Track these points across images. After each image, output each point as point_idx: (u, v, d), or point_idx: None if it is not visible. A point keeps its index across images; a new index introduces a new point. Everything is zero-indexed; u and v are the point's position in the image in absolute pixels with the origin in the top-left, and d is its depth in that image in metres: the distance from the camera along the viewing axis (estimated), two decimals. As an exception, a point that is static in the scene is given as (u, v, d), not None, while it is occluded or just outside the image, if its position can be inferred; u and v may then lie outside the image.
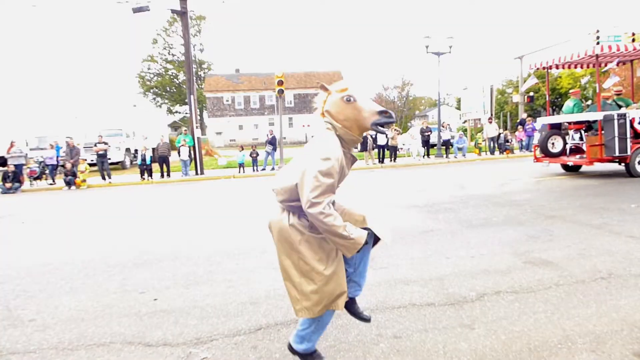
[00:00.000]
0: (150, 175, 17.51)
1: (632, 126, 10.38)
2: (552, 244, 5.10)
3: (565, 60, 11.84)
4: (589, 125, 11.45)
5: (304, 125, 30.22)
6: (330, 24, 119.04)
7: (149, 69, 61.32)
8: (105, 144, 17.71)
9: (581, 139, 11.82)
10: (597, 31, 21.97)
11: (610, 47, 10.88)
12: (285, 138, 36.01)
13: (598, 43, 21.70)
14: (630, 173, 10.54)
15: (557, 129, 12.29)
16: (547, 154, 11.97)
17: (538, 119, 14.57)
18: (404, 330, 3.19)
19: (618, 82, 11.90)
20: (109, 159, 18.42)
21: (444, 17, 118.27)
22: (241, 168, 18.60)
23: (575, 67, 13.36)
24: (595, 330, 3.03)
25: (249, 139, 48.72)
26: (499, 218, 6.70)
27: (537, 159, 12.46)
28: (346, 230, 2.30)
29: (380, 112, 2.41)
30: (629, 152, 10.34)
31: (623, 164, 10.78)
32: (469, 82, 65.39)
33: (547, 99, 14.43)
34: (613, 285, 3.80)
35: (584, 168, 12.45)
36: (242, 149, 19.14)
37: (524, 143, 21.69)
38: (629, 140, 10.30)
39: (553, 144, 11.99)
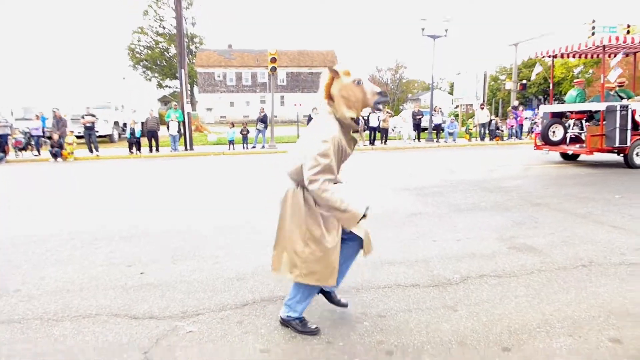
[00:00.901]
0: (138, 149, 17.33)
1: (633, 118, 10.50)
2: (537, 231, 5.18)
3: (572, 49, 11.85)
4: (590, 115, 11.56)
5: (295, 104, 29.91)
6: (325, 2, 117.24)
7: (139, 41, 60.12)
8: (93, 116, 17.42)
9: (581, 128, 11.93)
10: (593, 21, 21.94)
11: (617, 39, 10.94)
12: (276, 116, 35.71)
13: (593, 33, 21.72)
14: (628, 164, 10.72)
15: (558, 117, 12.37)
16: (548, 142, 12.08)
17: (541, 107, 14.63)
18: (389, 309, 3.25)
19: (621, 74, 12.00)
20: (97, 131, 18.12)
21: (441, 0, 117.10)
22: (231, 145, 18.47)
23: (581, 57, 13.44)
24: (573, 315, 3.10)
25: (240, 116, 48.33)
26: (487, 203, 6.78)
27: (537, 147, 12.61)
28: (344, 203, 2.57)
29: (379, 93, 2.75)
30: (628, 143, 10.50)
31: (622, 155, 10.94)
32: (463, 67, 65.13)
33: (551, 87, 14.46)
34: (593, 272, 3.89)
35: (582, 157, 12.60)
36: (233, 126, 18.97)
37: (514, 130, 21.82)
38: (629, 132, 10.44)
39: (554, 132, 12.08)
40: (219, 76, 54.55)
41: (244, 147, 18.54)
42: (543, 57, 13.10)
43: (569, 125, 12.03)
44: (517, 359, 2.58)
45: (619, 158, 11.17)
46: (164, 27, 59.08)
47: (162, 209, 7.00)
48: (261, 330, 2.99)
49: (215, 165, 13.85)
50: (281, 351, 2.73)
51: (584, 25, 21.92)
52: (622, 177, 9.39)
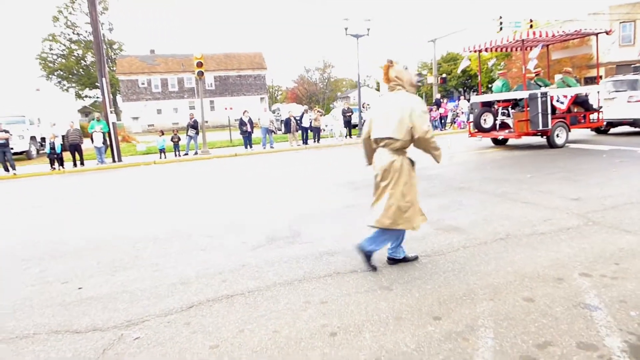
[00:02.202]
0: (61, 164, 16.34)
1: (551, 104, 11.67)
2: (460, 212, 5.64)
3: (495, 44, 13.11)
4: (515, 103, 12.72)
5: (226, 108, 29.44)
6: (249, 4, 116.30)
7: (50, 49, 56.30)
8: (6, 132, 16.17)
9: (509, 115, 13.08)
10: (500, 17, 23.65)
11: (534, 33, 12.17)
12: (207, 122, 34.99)
13: (501, 29, 23.46)
14: (550, 144, 11.90)
15: (488, 106, 13.47)
16: (480, 129, 13.16)
17: (472, 97, 15.80)
18: (330, 296, 3.44)
19: (537, 64, 13.29)
20: (12, 148, 16.85)
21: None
22: (162, 154, 17.95)
23: (503, 50, 14.83)
24: (493, 282, 3.48)
25: (169, 123, 46.77)
26: (415, 192, 7.21)
27: (471, 134, 13.66)
28: (439, 145, 3.75)
29: (418, 74, 3.88)
30: (549, 126, 11.61)
31: (545, 137, 12.10)
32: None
33: (479, 79, 15.65)
34: (509, 244, 4.34)
35: (511, 141, 13.78)
36: (163, 134, 18.43)
37: (435, 123, 23.08)
38: (549, 116, 11.56)
39: (485, 120, 13.19)
40: (143, 83, 52.42)
41: (176, 155, 18.07)
42: (470, 51, 14.16)
43: (498, 113, 13.19)
44: (447, 325, 2.87)
45: (543, 140, 12.38)
46: (78, 34, 55.83)
47: (93, 224, 6.75)
48: (209, 328, 3.07)
49: (147, 175, 13.43)
50: (230, 345, 2.83)
51: (493, 21, 23.57)
52: (536, 158, 10.32)
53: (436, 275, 3.70)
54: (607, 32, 12.97)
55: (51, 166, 16.23)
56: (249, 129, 18.64)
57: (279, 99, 71.74)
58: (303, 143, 19.58)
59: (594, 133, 14.96)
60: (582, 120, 12.91)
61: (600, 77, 14.15)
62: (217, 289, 3.73)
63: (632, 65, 27.56)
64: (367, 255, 3.88)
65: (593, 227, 4.68)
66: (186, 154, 18.15)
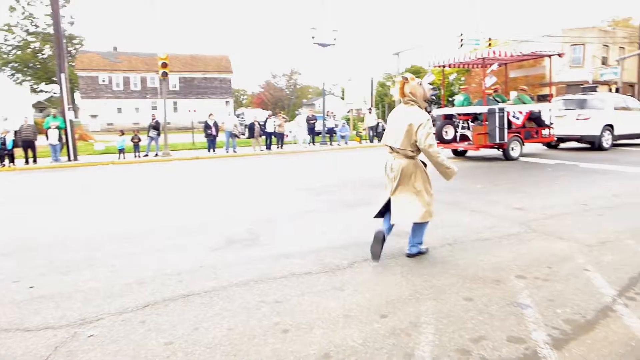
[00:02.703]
0: (12, 161, 15.73)
1: (508, 119, 12.42)
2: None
3: (457, 60, 13.98)
4: (475, 117, 13.42)
5: (190, 110, 28.99)
6: (218, 7, 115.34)
7: (5, 40, 53.82)
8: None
9: (468, 128, 13.76)
10: (461, 34, 24.62)
11: (494, 52, 13.05)
12: (170, 123, 34.40)
13: (462, 46, 24.40)
14: (506, 157, 12.66)
15: (449, 119, 14.11)
16: (442, 140, 13.71)
17: (434, 110, 16.49)
18: (284, 295, 3.58)
19: (496, 81, 14.08)
20: (-42, 143, 16.05)
21: (329, 8, 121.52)
22: (121, 154, 17.57)
23: (465, 67, 15.65)
24: (438, 284, 3.71)
25: (130, 123, 45.64)
26: (372, 198, 7.39)
27: None
28: (446, 162, 4.12)
29: (432, 89, 4.22)
30: (506, 140, 12.33)
31: (501, 150, 12.80)
32: (354, 74, 68.33)
33: (442, 93, 16.33)
34: (456, 249, 4.62)
35: (470, 153, 14.47)
36: (123, 134, 18.05)
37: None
38: (506, 130, 12.29)
39: (446, 132, 13.77)
40: (103, 80, 50.99)
41: (135, 156, 17.73)
42: (435, 67, 14.89)
43: (458, 126, 13.88)
44: (392, 322, 3.06)
45: (499, 152, 13.08)
46: (36, 26, 53.63)
47: (46, 222, 6.61)
48: (164, 326, 3.13)
49: (105, 175, 13.13)
50: (184, 342, 2.91)
51: (454, 38, 24.49)
52: (488, 170, 10.85)
53: (386, 277, 3.90)
54: (559, 55, 13.99)
55: (1, 163, 15.59)
56: (214, 133, 18.55)
57: (244, 103, 71.34)
58: (266, 148, 19.65)
59: (545, 147, 15.84)
60: (535, 135, 13.73)
61: (552, 95, 15.11)
62: (173, 289, 3.79)
63: (581, 86, 29.25)
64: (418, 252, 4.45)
65: (532, 234, 5.04)
66: (146, 155, 17.84)
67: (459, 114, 13.81)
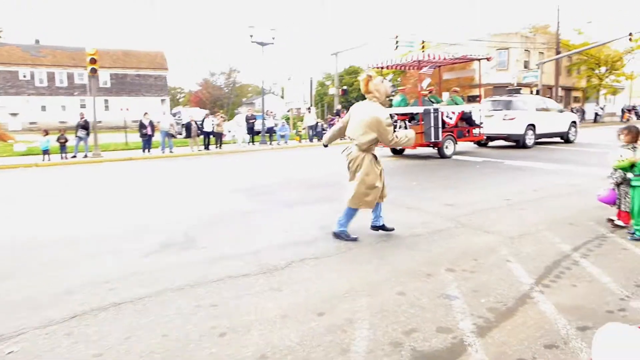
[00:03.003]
0: None
1: (442, 119, 13.09)
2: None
3: (394, 62, 14.69)
4: (412, 117, 13.98)
5: (122, 109, 27.60)
6: (152, 1, 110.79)
7: None
8: None
9: (406, 127, 14.12)
10: (397, 36, 25.36)
11: (429, 55, 13.80)
12: (100, 122, 32.63)
13: (397, 48, 25.16)
14: (440, 155, 13.31)
15: None
16: None
17: None
18: (221, 299, 3.54)
19: (430, 83, 14.77)
20: None
21: (267, 8, 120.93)
22: (46, 155, 16.43)
23: (402, 69, 16.47)
24: (373, 280, 3.83)
25: (55, 122, 42.73)
26: (312, 198, 7.55)
27: None
28: (403, 139, 4.78)
29: (392, 86, 4.37)
30: (440, 139, 12.96)
31: (436, 148, 13.45)
32: (293, 73, 68.42)
33: None
34: (390, 245, 4.79)
35: (407, 151, 15.02)
36: (47, 134, 16.86)
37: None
38: (440, 130, 12.92)
39: None
40: (24, 75, 47.41)
41: (62, 157, 16.67)
42: (374, 68, 15.37)
43: (396, 125, 14.24)
44: (328, 320, 3.13)
45: (434, 151, 13.73)
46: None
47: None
48: (93, 337, 3.00)
49: (28, 178, 12.23)
50: (116, 352, 2.80)
51: (389, 40, 25.20)
52: (422, 167, 11.30)
53: (323, 275, 3.97)
54: (487, 59, 15.09)
55: None
56: (149, 132, 17.86)
57: (181, 102, 69.20)
58: (205, 148, 19.21)
59: (475, 146, 16.78)
60: (467, 134, 14.58)
61: (481, 96, 16.09)
62: (103, 297, 3.63)
63: (507, 88, 31.10)
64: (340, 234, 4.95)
65: (461, 229, 5.33)
66: (74, 157, 16.82)
67: (397, 114, 14.28)
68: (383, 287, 3.68)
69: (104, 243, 5.21)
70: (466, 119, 14.51)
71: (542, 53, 37.51)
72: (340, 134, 5.15)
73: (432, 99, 14.28)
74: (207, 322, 3.14)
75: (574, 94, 43.44)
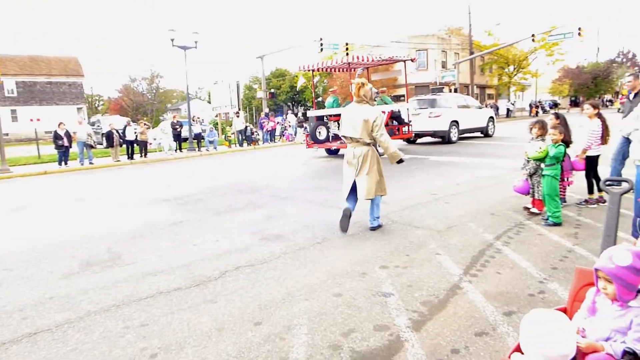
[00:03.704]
0: None
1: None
2: (284, 221, 5.99)
3: (325, 65, 14.95)
4: None
5: (32, 119, 25.28)
6: (62, 4, 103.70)
7: None
8: None
9: (339, 128, 14.19)
10: (321, 39, 25.66)
11: (358, 57, 14.18)
12: (7, 134, 29.92)
13: (322, 50, 25.48)
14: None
15: (321, 120, 14.86)
16: (316, 140, 14.44)
17: (308, 112, 17.21)
18: (151, 317, 3.34)
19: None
20: None
21: (189, 11, 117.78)
22: (-57, 174, 14.73)
23: (333, 71, 16.96)
24: (309, 283, 3.81)
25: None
26: (242, 204, 7.40)
27: (308, 145, 14.91)
28: (394, 148, 5.18)
29: (376, 92, 6.69)
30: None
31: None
32: (219, 76, 67.16)
33: (313, 95, 17.28)
34: (325, 247, 4.79)
35: (342, 151, 15.07)
36: (-57, 150, 15.15)
37: (265, 136, 24.02)
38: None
39: (319, 132, 14.51)
40: None
41: (-38, 175, 15.02)
42: (305, 71, 15.72)
43: (330, 126, 14.70)
44: (266, 328, 3.05)
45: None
46: None
47: None
48: (4, 374, 2.70)
49: None
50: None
51: (314, 42, 25.44)
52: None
53: (258, 283, 3.88)
54: (412, 60, 16.02)
55: None
56: (66, 143, 16.58)
57: (100, 110, 65.28)
58: (128, 158, 18.23)
59: (405, 143, 17.41)
60: (397, 132, 15.11)
61: (407, 96, 16.77)
62: (15, 329, 3.28)
63: (430, 87, 32.55)
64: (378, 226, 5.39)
65: (393, 225, 5.47)
66: (-22, 174, 15.23)
67: (330, 115, 14.67)
68: (320, 289, 3.67)
69: (15, 266, 4.75)
70: (396, 117, 15.05)
71: (458, 53, 39.76)
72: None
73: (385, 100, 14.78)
74: (137, 344, 2.95)
75: (488, 91, 46.51)
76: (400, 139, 15.96)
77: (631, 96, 5.73)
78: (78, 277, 4.31)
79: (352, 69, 15.48)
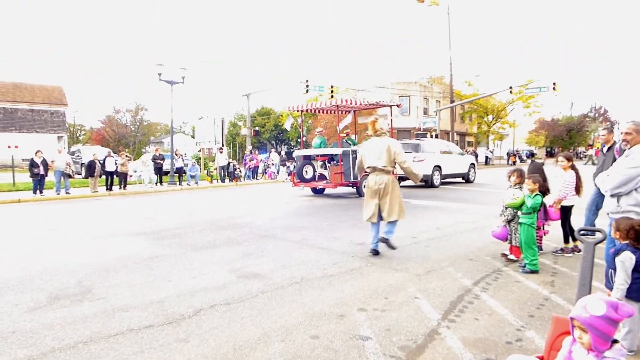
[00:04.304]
0: None
1: None
2: (263, 259, 5.91)
3: (314, 106, 15.57)
4: (331, 157, 14.70)
5: (10, 146, 24.87)
6: (48, 34, 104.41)
7: None
8: None
9: (326, 168, 14.99)
10: (307, 80, 26.23)
11: (346, 101, 14.80)
12: (-18, 161, 29.10)
13: (307, 91, 26.02)
14: (359, 194, 13.87)
15: (308, 159, 15.26)
16: (302, 179, 14.75)
17: (295, 151, 17.68)
18: (119, 356, 3.20)
19: (346, 126, 16.07)
20: None
21: (177, 46, 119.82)
22: None
23: (320, 112, 17.79)
24: (286, 324, 3.72)
25: None
26: (221, 240, 7.29)
27: (295, 184, 15.11)
28: (415, 170, 6.11)
29: (388, 124, 8.24)
30: (359, 179, 13.64)
31: (355, 187, 14.14)
32: (205, 112, 67.65)
33: (302, 135, 17.84)
34: (303, 287, 4.72)
35: (327, 190, 15.61)
36: None
37: (247, 173, 24.05)
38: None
39: (306, 171, 14.91)
40: None
41: None
42: (295, 110, 16.29)
43: (317, 166, 15.13)
44: (239, 371, 2.95)
45: (353, 190, 14.47)
46: None
47: None
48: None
49: None
50: None
51: (300, 83, 25.98)
52: (334, 207, 11.49)
53: (234, 322, 3.78)
54: (398, 105, 16.74)
55: None
56: (42, 172, 16.25)
57: (81, 140, 64.57)
58: (107, 189, 17.92)
59: None
60: None
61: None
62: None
63: (415, 133, 33.30)
64: (387, 242, 6.04)
65: (371, 268, 5.44)
66: (-53, 199, 14.73)
67: (317, 155, 15.03)
68: (296, 331, 3.59)
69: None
70: None
71: (439, 101, 41.06)
72: (362, 165, 6.22)
73: (349, 141, 15.12)
74: (102, 384, 2.81)
75: (468, 138, 47.80)
76: None
77: (605, 149, 5.95)
78: (45, 310, 4.14)
79: (341, 112, 15.87)
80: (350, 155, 13.69)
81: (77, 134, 65.59)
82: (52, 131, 47.67)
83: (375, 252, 6.02)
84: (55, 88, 50.01)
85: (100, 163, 18.06)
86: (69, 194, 16.53)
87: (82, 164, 25.21)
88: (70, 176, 17.37)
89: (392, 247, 6.02)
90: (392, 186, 5.90)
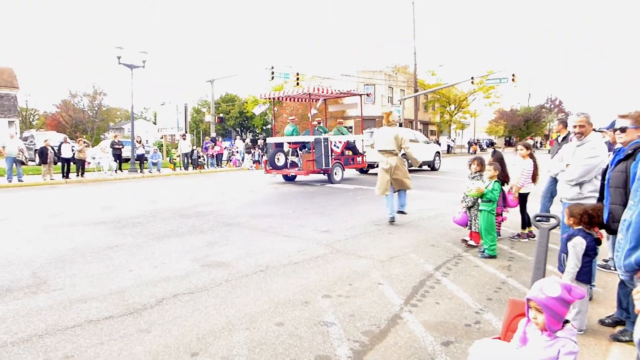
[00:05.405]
0: None
1: (330, 147, 14.19)
2: (227, 248, 5.85)
3: (286, 94, 15.74)
4: (303, 145, 14.91)
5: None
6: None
7: None
8: None
9: (298, 155, 15.17)
10: (272, 67, 25.91)
11: (318, 89, 14.81)
12: None
13: (273, 78, 25.73)
14: (330, 181, 14.28)
15: (280, 147, 15.38)
16: (274, 167, 14.89)
17: (267, 139, 17.62)
18: (77, 348, 3.11)
19: (317, 114, 16.25)
20: None
21: (138, 29, 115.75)
22: None
23: (293, 100, 18.03)
24: (250, 312, 3.71)
25: None
26: (184, 229, 7.16)
27: (267, 171, 15.24)
28: (415, 155, 8.01)
29: (397, 116, 8.05)
30: (330, 166, 14.02)
31: (326, 175, 14.39)
32: (167, 98, 65.97)
33: (273, 123, 18.07)
34: (268, 275, 4.71)
35: (299, 177, 15.76)
36: None
37: (211, 160, 23.66)
38: (330, 157, 14.06)
39: (278, 159, 15.02)
40: None
41: None
42: (266, 99, 16.48)
43: (289, 153, 15.23)
44: (203, 359, 2.92)
45: (325, 177, 14.69)
46: None
47: None
48: None
49: None
50: None
51: (265, 70, 25.64)
52: (298, 195, 11.49)
53: (197, 311, 3.73)
54: (367, 94, 17.31)
55: None
56: (-10, 159, 15.43)
57: (35, 125, 61.61)
58: (63, 177, 17.22)
59: (358, 172, 17.91)
60: (352, 162, 15.88)
61: (351, 127, 17.40)
62: None
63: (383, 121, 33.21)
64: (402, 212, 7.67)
65: (336, 255, 5.48)
66: None
67: (289, 143, 15.13)
68: (261, 318, 3.58)
69: None
70: (351, 148, 15.86)
71: (403, 90, 41.51)
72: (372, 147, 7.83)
73: (320, 129, 15.26)
74: (58, 378, 2.72)
75: (431, 127, 48.66)
76: (354, 168, 16.65)
77: (559, 139, 6.19)
78: (-4, 303, 3.95)
79: (313, 100, 15.87)
80: (322, 143, 13.82)
81: (30, 119, 62.57)
82: (3, 115, 45.23)
83: (392, 220, 7.39)
84: (6, 69, 47.32)
85: (55, 150, 17.30)
86: (22, 181, 15.79)
87: (35, 150, 24.05)
88: (23, 163, 16.59)
89: (404, 213, 7.70)
90: (400, 164, 7.36)
